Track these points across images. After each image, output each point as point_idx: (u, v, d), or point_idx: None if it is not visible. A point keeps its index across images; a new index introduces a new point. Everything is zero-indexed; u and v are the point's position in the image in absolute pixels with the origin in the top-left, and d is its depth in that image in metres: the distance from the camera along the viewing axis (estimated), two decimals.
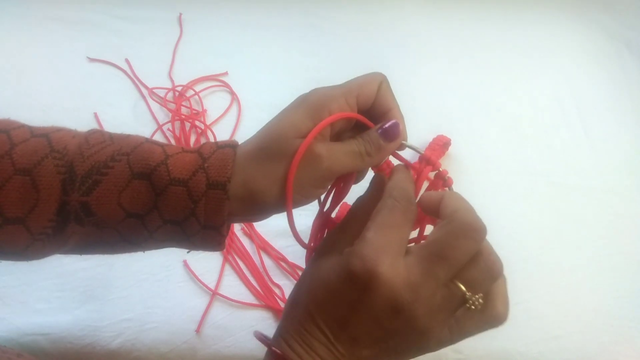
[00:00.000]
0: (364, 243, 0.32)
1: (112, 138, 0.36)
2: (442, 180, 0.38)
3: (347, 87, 0.36)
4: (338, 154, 0.35)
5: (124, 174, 0.34)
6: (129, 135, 0.37)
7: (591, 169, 0.73)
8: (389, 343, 0.32)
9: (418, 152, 0.37)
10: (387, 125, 0.36)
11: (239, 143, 0.37)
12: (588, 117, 0.78)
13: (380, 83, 0.37)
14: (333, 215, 0.41)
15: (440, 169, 0.37)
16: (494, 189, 0.70)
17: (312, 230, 0.40)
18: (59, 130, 0.36)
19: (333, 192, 0.40)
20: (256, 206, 0.35)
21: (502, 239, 0.65)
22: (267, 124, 0.36)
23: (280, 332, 0.34)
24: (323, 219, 0.40)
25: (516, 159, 0.73)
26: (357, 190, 0.39)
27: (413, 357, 0.34)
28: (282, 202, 0.35)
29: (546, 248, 0.65)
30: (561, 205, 0.69)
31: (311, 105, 0.35)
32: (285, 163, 0.34)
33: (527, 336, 0.58)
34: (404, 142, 0.37)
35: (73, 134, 0.36)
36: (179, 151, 0.36)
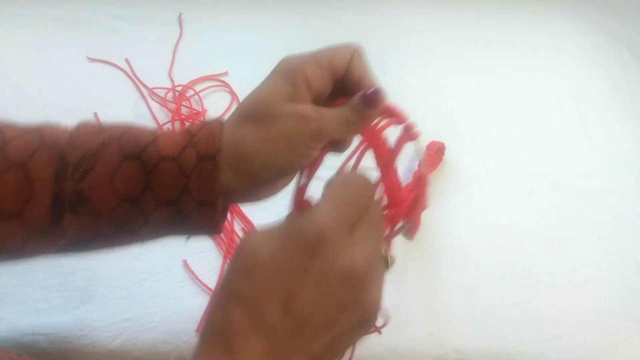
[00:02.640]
0: (314, 211, 0.29)
1: (102, 127, 0.36)
2: (408, 134, 0.36)
3: (318, 53, 0.37)
4: (327, 118, 0.35)
5: (114, 157, 0.34)
6: (117, 123, 0.37)
7: (591, 169, 0.73)
8: (340, 325, 0.28)
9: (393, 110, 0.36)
10: (368, 92, 0.35)
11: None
12: (588, 117, 0.78)
13: (352, 52, 0.37)
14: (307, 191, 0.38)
15: (407, 122, 0.36)
16: (494, 189, 0.70)
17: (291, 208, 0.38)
18: (50, 125, 0.36)
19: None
20: (252, 173, 0.35)
21: (502, 239, 0.65)
22: (246, 96, 0.36)
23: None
24: (297, 195, 0.39)
25: (516, 159, 0.73)
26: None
27: (356, 340, 0.30)
28: (279, 163, 0.34)
29: (546, 248, 0.65)
30: (561, 205, 0.69)
31: (286, 70, 0.36)
32: (273, 124, 0.34)
33: (527, 336, 0.58)
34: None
35: (64, 128, 0.36)
36: (168, 132, 0.36)
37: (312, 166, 0.38)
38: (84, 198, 0.33)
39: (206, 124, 0.36)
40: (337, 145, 0.39)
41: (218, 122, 0.36)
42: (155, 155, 0.34)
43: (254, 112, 0.35)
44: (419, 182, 0.37)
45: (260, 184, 0.36)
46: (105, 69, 0.78)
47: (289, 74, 0.35)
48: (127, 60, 0.78)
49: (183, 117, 0.72)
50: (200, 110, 0.74)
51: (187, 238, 0.38)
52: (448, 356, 0.57)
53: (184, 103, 0.75)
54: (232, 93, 0.77)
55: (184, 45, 0.82)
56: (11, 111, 0.71)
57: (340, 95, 0.37)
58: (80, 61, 0.79)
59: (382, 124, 0.37)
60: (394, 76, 0.81)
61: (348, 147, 0.40)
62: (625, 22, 0.91)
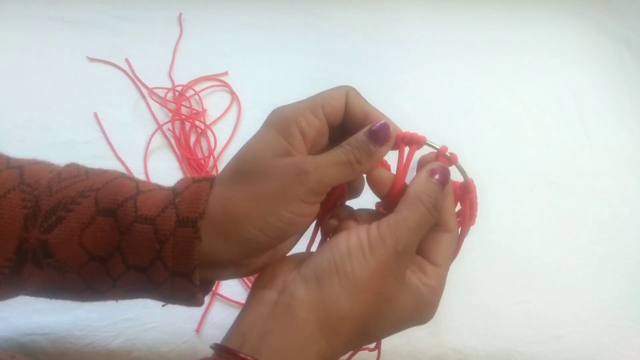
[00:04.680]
0: (437, 284, 0.34)
1: (88, 172, 0.33)
2: (445, 159, 0.35)
3: (310, 100, 0.34)
4: (325, 166, 0.32)
5: (89, 210, 0.31)
6: (105, 171, 0.34)
7: (591, 169, 0.73)
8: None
9: (434, 148, 0.35)
10: (375, 127, 0.32)
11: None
12: (588, 117, 0.78)
13: (346, 93, 0.34)
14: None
15: (437, 146, 0.35)
16: (494, 189, 0.70)
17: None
18: (36, 162, 0.33)
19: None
20: (243, 238, 0.31)
21: (502, 239, 0.66)
22: (239, 150, 0.33)
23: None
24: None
25: (516, 159, 0.73)
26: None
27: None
28: (275, 224, 0.31)
29: (546, 248, 0.65)
30: (561, 205, 0.69)
31: (278, 122, 0.33)
32: (266, 180, 0.31)
33: (527, 336, 0.59)
34: (428, 142, 0.34)
35: (51, 168, 0.33)
36: (154, 187, 0.33)
37: (325, 216, 0.36)
38: (48, 251, 0.30)
39: (195, 181, 0.33)
40: (350, 189, 0.37)
41: (208, 180, 0.33)
42: (131, 213, 0.31)
43: (244, 169, 0.32)
44: (469, 190, 0.36)
45: (254, 251, 0.32)
46: (105, 69, 0.78)
47: (281, 126, 0.33)
48: (127, 60, 0.78)
49: (183, 117, 0.72)
50: (200, 110, 0.74)
51: (163, 305, 0.35)
52: (448, 356, 0.57)
53: (184, 103, 0.75)
54: (232, 93, 0.77)
55: (184, 45, 0.82)
56: (11, 111, 0.72)
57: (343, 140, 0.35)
58: (80, 61, 0.79)
59: (405, 155, 0.35)
60: (394, 76, 0.81)
61: (362, 188, 0.37)
62: (625, 22, 0.91)
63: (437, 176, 0.34)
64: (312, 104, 0.33)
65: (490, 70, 0.83)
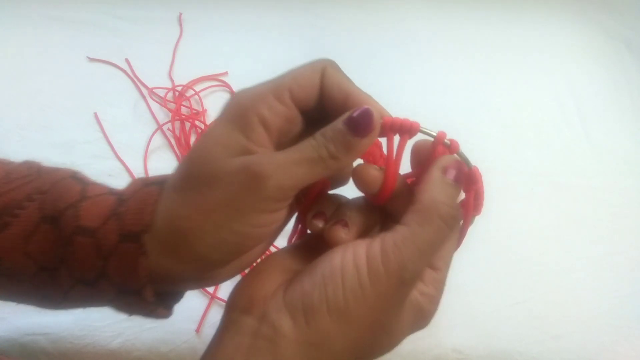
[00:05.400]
0: (437, 291, 0.29)
1: (40, 171, 0.30)
2: (444, 148, 0.29)
3: (274, 82, 0.28)
4: (287, 165, 0.26)
5: (33, 217, 0.27)
6: (57, 169, 0.30)
7: (591, 169, 0.73)
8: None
9: (430, 135, 0.29)
10: (355, 114, 0.26)
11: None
12: (588, 117, 0.78)
13: (322, 70, 0.28)
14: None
15: (433, 133, 0.29)
16: (493, 189, 0.69)
17: None
18: None
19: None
20: (195, 257, 0.26)
21: (502, 239, 0.65)
22: (190, 150, 0.28)
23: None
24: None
25: (516, 159, 0.73)
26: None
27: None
28: (229, 239, 0.26)
29: (546, 248, 0.65)
30: (561, 205, 0.69)
31: (234, 113, 0.27)
32: (215, 189, 0.26)
33: (527, 336, 0.58)
34: (422, 128, 0.28)
35: (3, 165, 0.30)
36: (103, 192, 0.29)
37: (306, 207, 0.31)
38: None
39: (145, 185, 0.28)
40: (333, 179, 0.31)
41: (158, 184, 0.28)
42: (72, 223, 0.27)
43: (191, 173, 0.27)
44: (474, 179, 0.31)
45: (210, 268, 0.28)
46: (105, 69, 0.78)
47: (237, 116, 0.27)
48: (127, 60, 0.78)
49: (183, 117, 0.72)
50: (200, 110, 0.74)
51: (129, 315, 0.31)
52: (448, 356, 0.57)
53: (184, 103, 0.75)
54: (232, 93, 0.77)
55: (184, 45, 0.82)
56: (11, 111, 0.72)
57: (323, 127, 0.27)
58: (80, 61, 0.79)
59: (396, 145, 0.29)
60: (394, 76, 0.81)
61: (348, 177, 0.31)
62: (625, 22, 0.91)
63: (452, 174, 0.28)
64: (275, 87, 0.28)
65: (490, 70, 0.83)
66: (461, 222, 0.32)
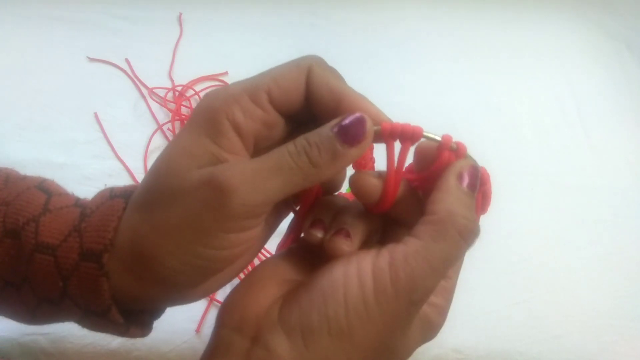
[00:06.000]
0: (446, 302, 0.28)
1: (8, 180, 0.28)
2: (450, 152, 0.27)
3: (251, 81, 0.25)
4: (258, 177, 0.22)
5: None
6: (25, 177, 0.28)
7: (591, 169, 0.73)
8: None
9: (435, 140, 0.27)
10: (347, 121, 0.23)
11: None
12: (588, 117, 0.78)
13: (308, 69, 0.25)
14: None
15: (438, 138, 0.26)
16: (494, 189, 0.69)
17: None
18: None
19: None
20: (157, 279, 0.24)
21: (502, 239, 0.65)
22: (156, 158, 0.25)
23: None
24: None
25: (516, 159, 0.73)
26: None
27: None
28: (193, 262, 0.23)
29: (546, 248, 0.65)
30: (561, 205, 0.69)
31: (203, 116, 0.24)
32: (174, 208, 0.23)
33: (527, 336, 0.58)
34: (425, 133, 0.25)
35: None
36: (68, 204, 0.26)
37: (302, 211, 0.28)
38: None
39: (111, 197, 0.26)
40: (324, 186, 0.28)
41: (124, 197, 0.25)
42: (31, 240, 0.25)
43: (155, 187, 0.24)
44: (483, 180, 0.30)
45: (177, 290, 0.25)
46: (105, 69, 0.78)
47: (206, 121, 0.24)
48: (127, 60, 0.78)
49: (183, 117, 0.72)
50: None
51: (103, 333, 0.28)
52: (447, 356, 0.57)
53: (184, 103, 0.75)
54: None
55: (184, 45, 0.82)
56: (11, 111, 0.72)
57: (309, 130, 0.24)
58: (80, 61, 0.79)
59: (397, 153, 0.26)
60: (393, 76, 0.81)
61: (342, 182, 0.29)
62: (625, 22, 0.91)
63: (466, 181, 0.26)
64: (251, 87, 0.25)
65: (490, 70, 0.83)
66: None
